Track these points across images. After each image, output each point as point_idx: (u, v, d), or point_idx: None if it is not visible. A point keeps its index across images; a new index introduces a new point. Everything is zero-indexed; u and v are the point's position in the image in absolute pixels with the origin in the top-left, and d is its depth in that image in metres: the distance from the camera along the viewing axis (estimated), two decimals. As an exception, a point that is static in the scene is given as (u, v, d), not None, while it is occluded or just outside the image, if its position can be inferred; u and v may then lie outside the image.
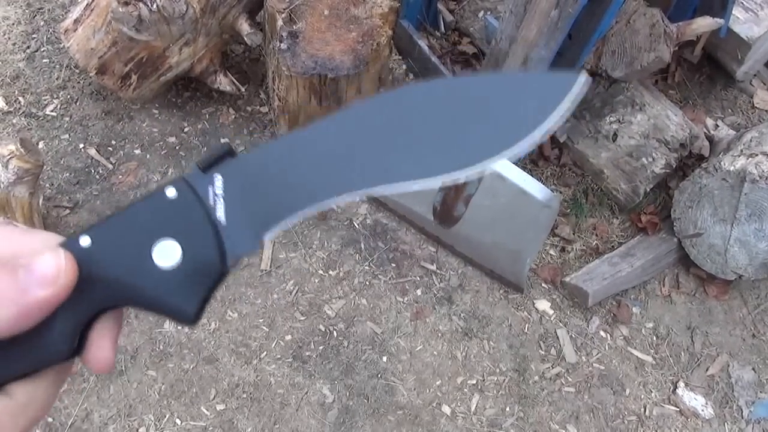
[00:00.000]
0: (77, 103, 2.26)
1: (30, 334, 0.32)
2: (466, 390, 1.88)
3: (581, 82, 0.35)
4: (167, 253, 0.34)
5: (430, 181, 0.36)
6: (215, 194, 0.36)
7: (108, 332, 0.35)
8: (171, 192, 0.35)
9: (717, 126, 2.41)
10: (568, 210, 2.26)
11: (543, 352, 1.98)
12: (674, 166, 2.20)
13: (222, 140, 2.24)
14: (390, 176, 0.36)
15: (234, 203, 0.36)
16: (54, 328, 0.33)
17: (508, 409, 1.86)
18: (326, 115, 0.38)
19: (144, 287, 0.35)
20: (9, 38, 2.38)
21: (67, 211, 2.02)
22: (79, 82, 2.30)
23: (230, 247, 0.36)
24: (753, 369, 2.05)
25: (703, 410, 1.94)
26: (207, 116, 2.30)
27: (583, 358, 1.99)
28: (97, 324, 0.35)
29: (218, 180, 0.36)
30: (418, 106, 0.37)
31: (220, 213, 0.36)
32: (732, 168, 1.95)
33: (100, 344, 0.35)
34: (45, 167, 1.96)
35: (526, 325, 2.02)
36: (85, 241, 0.34)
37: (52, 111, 2.23)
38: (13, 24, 2.42)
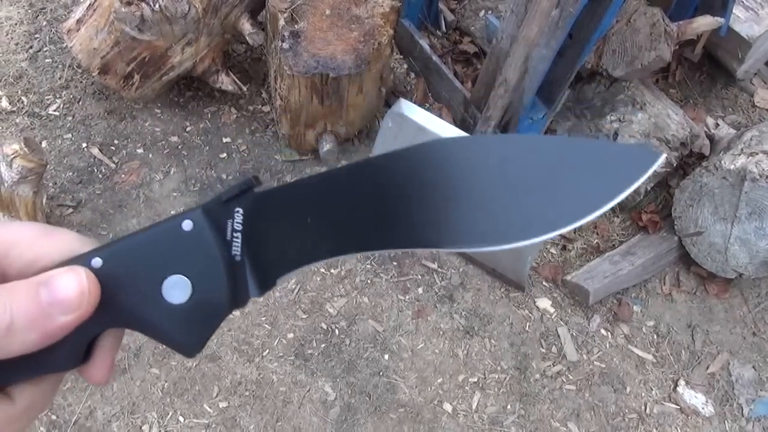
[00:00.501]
0: (80, 103, 2.27)
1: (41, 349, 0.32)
2: (467, 388, 1.88)
3: (660, 160, 0.33)
4: (177, 289, 0.34)
5: (484, 249, 0.32)
6: (234, 229, 0.34)
7: (109, 350, 0.35)
8: (187, 225, 0.34)
9: (717, 125, 2.41)
10: (569, 209, 2.26)
11: (544, 351, 1.98)
12: (675, 165, 2.20)
13: (224, 139, 2.25)
14: (444, 240, 0.32)
15: (252, 241, 0.34)
16: (63, 343, 0.32)
17: (509, 406, 1.87)
18: (374, 156, 0.34)
19: (150, 319, 0.34)
20: (12, 38, 2.39)
21: (70, 210, 2.03)
22: (81, 82, 2.31)
23: (241, 288, 0.34)
24: (753, 367, 2.05)
25: (703, 408, 1.95)
26: (209, 116, 2.31)
27: (584, 356, 1.99)
28: (100, 340, 0.35)
29: (239, 215, 0.34)
30: (485, 163, 0.33)
31: (236, 250, 0.34)
32: (732, 167, 1.96)
33: (102, 361, 0.35)
34: (48, 166, 1.97)
35: (527, 324, 2.02)
36: (96, 262, 0.33)
37: (55, 110, 2.24)
38: (16, 24, 2.43)
